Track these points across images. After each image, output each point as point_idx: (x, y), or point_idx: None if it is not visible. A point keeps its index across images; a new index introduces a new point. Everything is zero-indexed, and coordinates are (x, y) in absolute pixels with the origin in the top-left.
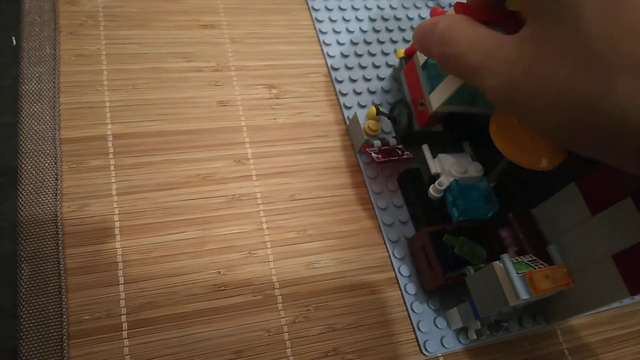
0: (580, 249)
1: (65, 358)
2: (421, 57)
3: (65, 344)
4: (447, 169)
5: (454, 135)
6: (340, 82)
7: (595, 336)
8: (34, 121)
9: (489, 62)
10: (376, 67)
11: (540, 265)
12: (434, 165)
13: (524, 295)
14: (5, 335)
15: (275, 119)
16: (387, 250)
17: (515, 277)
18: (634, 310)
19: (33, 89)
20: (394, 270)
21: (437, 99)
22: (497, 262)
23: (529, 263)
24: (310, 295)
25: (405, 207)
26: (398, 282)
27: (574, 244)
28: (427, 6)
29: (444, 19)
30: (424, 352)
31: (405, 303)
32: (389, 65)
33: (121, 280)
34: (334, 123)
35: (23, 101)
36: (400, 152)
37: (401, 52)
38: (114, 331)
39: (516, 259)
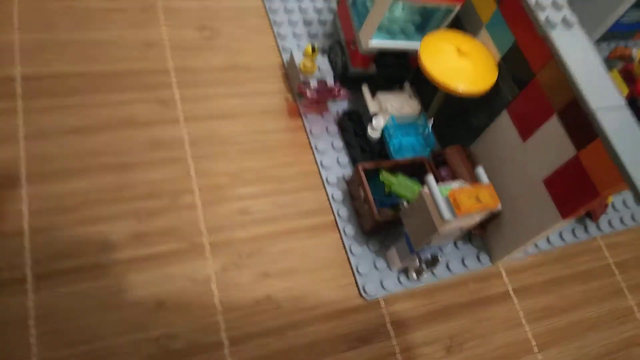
0: (515, 178)
1: None
2: None
3: None
4: (384, 107)
5: (387, 73)
6: (279, 24)
7: (539, 276)
8: None
9: None
10: (317, 11)
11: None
12: (372, 104)
13: (447, 215)
14: None
15: (206, 61)
16: (326, 194)
17: (439, 198)
18: (579, 251)
19: None
20: (333, 213)
21: (366, 34)
22: (425, 189)
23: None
24: (242, 243)
25: (345, 150)
26: (337, 225)
27: (510, 174)
28: None
29: None
30: (363, 295)
31: (344, 246)
32: (331, 11)
33: (26, 230)
34: (272, 67)
35: None
36: (337, 92)
37: None
38: (17, 284)
39: (444, 185)
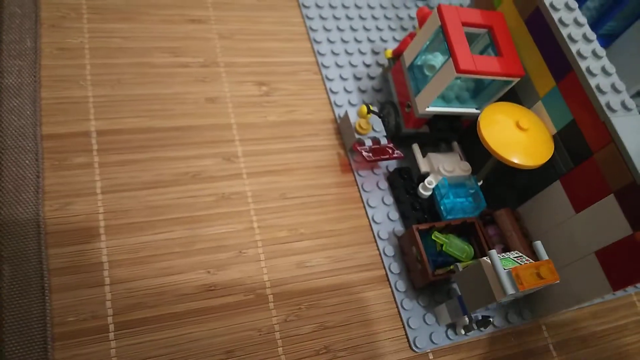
0: (564, 246)
1: None
2: (408, 59)
3: (49, 346)
4: (436, 167)
5: (440, 136)
6: (331, 80)
7: (578, 331)
8: (13, 116)
9: None
10: (367, 66)
11: (526, 261)
12: (424, 164)
13: (510, 290)
14: None
15: (265, 116)
16: (378, 248)
17: (502, 273)
18: (615, 306)
19: (13, 82)
20: (384, 268)
21: (423, 101)
22: (485, 258)
23: (515, 259)
24: (302, 294)
25: (395, 205)
26: (388, 280)
27: (558, 241)
28: (417, 6)
29: None
30: (414, 348)
31: (395, 300)
32: (379, 65)
33: (107, 280)
34: (324, 121)
35: (2, 95)
36: (390, 151)
37: (389, 52)
38: (100, 333)
39: (502, 256)
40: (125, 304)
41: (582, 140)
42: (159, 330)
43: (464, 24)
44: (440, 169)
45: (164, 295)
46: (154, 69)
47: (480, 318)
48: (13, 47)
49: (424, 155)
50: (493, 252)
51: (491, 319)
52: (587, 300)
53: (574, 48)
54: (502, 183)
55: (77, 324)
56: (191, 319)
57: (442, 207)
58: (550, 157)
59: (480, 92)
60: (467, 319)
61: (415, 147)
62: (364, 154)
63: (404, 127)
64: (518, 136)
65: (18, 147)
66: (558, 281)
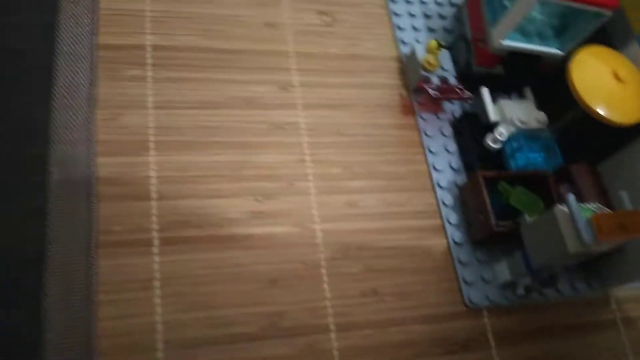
0: None
1: (94, 266)
2: None
3: (93, 252)
4: (508, 117)
5: (515, 78)
6: (399, 15)
7: None
8: (72, 23)
9: None
10: (438, 4)
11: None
12: (494, 112)
13: (588, 240)
14: (34, 239)
15: (325, 48)
16: (436, 197)
17: (580, 220)
18: None
19: None
20: (441, 217)
21: (500, 33)
22: (559, 206)
23: (595, 210)
24: (351, 234)
25: (459, 154)
26: (445, 230)
27: None
28: None
29: None
30: (467, 303)
31: (450, 252)
32: (452, 4)
33: (154, 195)
34: (388, 59)
35: (62, 1)
36: (459, 91)
37: None
38: (145, 245)
39: (581, 205)
40: (171, 220)
41: None
42: (203, 250)
43: None
44: (514, 119)
45: (210, 217)
46: None
47: (546, 277)
48: None
49: (494, 102)
50: (571, 196)
51: (557, 279)
52: None
53: None
54: (582, 137)
55: (123, 235)
56: (236, 244)
57: (512, 162)
58: None
59: (565, 29)
60: (529, 278)
61: (485, 92)
62: (431, 91)
63: (476, 65)
64: (613, 87)
65: (74, 53)
66: None
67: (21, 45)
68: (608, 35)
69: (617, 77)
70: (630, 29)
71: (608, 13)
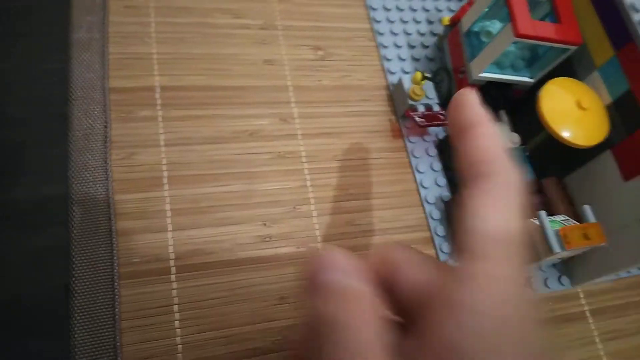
0: (610, 214)
1: (117, 296)
2: (465, 25)
3: (116, 284)
4: None
5: (491, 104)
6: (386, 47)
7: (614, 300)
8: (83, 69)
9: None
10: (421, 34)
11: (572, 224)
12: None
13: (557, 249)
14: (60, 273)
15: (320, 80)
16: (425, 212)
17: (550, 232)
18: None
19: (83, 37)
20: (430, 230)
21: (477, 66)
22: (533, 219)
23: (562, 222)
24: (351, 250)
25: (443, 172)
26: (433, 242)
27: (603, 209)
28: None
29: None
30: None
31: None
32: (433, 34)
33: (169, 227)
34: (377, 88)
35: (73, 49)
36: (442, 117)
37: (446, 19)
38: (163, 274)
39: (550, 218)
40: (186, 249)
41: (638, 109)
42: (216, 275)
43: None
44: None
45: (222, 244)
46: (215, 29)
47: None
48: (83, 3)
49: None
50: (542, 212)
51: (532, 280)
52: (630, 267)
53: (636, 17)
54: (550, 154)
55: (142, 265)
56: (247, 267)
57: None
58: (606, 136)
59: (535, 60)
60: None
61: None
62: (417, 119)
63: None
64: (576, 114)
65: (88, 98)
66: (604, 243)
67: (38, 92)
68: (573, 66)
69: (580, 106)
70: (592, 61)
71: (573, 48)
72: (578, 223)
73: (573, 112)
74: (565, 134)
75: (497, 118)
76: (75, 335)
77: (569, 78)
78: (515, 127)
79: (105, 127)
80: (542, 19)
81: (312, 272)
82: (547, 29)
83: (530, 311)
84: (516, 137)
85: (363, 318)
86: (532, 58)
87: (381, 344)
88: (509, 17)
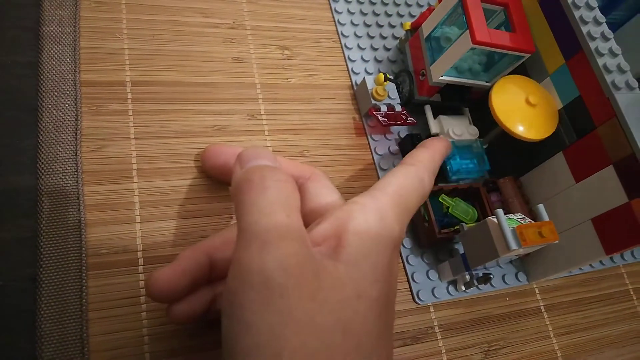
0: (563, 213)
1: (84, 287)
2: (426, 30)
3: (84, 274)
4: (446, 130)
5: (450, 105)
6: (350, 49)
7: (568, 296)
8: (55, 62)
9: None
10: (383, 37)
11: (528, 222)
12: (434, 125)
13: (514, 246)
14: (26, 265)
15: (287, 79)
16: None
17: (507, 230)
18: (603, 276)
19: (54, 30)
20: None
21: (437, 70)
22: (491, 217)
23: (519, 220)
24: None
25: None
26: None
27: (557, 208)
28: None
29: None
30: (417, 300)
31: (401, 255)
32: (395, 37)
33: (138, 219)
34: (342, 87)
35: (44, 42)
36: (404, 117)
37: (407, 24)
38: (131, 265)
39: (507, 216)
40: (154, 241)
41: (587, 114)
42: None
43: (482, 0)
44: (450, 132)
45: (189, 235)
46: (186, 27)
47: (481, 275)
48: None
49: (435, 117)
50: (500, 210)
51: (491, 276)
52: (581, 264)
53: (584, 29)
54: (507, 153)
55: (110, 256)
56: None
57: (448, 168)
58: (553, 132)
59: (491, 66)
60: (468, 276)
61: (427, 109)
62: (380, 118)
63: (417, 95)
64: (526, 110)
65: (58, 91)
66: (557, 241)
67: (8, 84)
68: (527, 72)
69: (528, 102)
70: (544, 68)
71: (526, 55)
72: (533, 221)
73: (522, 107)
74: (514, 128)
75: (459, 112)
76: (42, 326)
77: (521, 75)
78: (475, 123)
79: (76, 119)
80: (497, 28)
81: (242, 158)
82: (502, 37)
83: None
84: (474, 130)
85: (274, 179)
86: (488, 63)
87: (288, 207)
88: (467, 25)
